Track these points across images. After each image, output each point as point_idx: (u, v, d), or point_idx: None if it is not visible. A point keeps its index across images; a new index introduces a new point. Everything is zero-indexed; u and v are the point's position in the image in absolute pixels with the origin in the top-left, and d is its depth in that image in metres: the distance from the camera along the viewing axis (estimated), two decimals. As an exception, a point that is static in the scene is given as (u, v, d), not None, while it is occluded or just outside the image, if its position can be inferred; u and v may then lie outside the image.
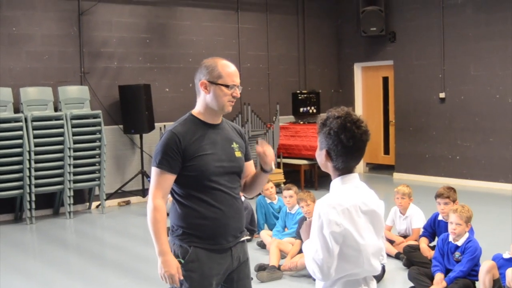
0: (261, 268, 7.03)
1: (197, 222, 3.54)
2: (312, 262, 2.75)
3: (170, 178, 3.51)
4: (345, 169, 2.86)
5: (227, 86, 3.58)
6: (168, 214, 3.61)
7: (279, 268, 7.02)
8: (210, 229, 3.55)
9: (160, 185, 3.51)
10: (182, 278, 3.49)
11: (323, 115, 2.92)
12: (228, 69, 3.62)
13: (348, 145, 2.79)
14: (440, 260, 6.22)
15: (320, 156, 2.90)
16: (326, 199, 2.78)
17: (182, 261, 3.51)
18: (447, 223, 6.50)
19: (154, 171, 3.54)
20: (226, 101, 3.60)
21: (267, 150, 3.67)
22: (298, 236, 7.35)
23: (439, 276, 6.09)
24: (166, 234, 3.53)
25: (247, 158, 3.83)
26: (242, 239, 3.74)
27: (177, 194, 3.60)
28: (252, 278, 3.91)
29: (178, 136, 3.51)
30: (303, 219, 7.36)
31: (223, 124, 3.75)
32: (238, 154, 3.71)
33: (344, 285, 2.83)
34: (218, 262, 3.58)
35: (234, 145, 3.70)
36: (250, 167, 3.88)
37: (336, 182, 2.88)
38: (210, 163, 3.54)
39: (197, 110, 3.67)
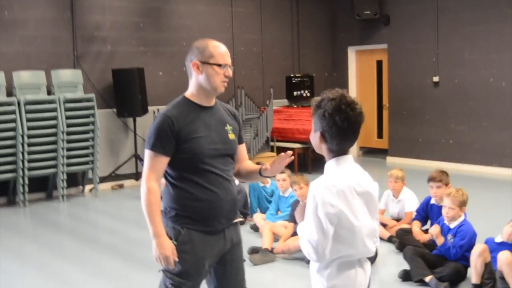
0: (254, 250, 7.06)
1: (190, 204, 3.55)
2: (307, 243, 2.76)
3: (164, 160, 3.51)
4: (340, 151, 2.87)
5: (219, 65, 3.57)
6: (161, 197, 3.62)
7: (272, 251, 7.05)
8: (203, 211, 3.55)
9: (154, 167, 3.51)
10: (177, 260, 3.50)
11: (317, 98, 2.92)
12: (219, 49, 3.61)
13: (343, 127, 2.79)
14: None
15: (315, 138, 2.89)
16: (321, 181, 2.79)
17: (175, 242, 3.52)
18: (439, 206, 6.54)
19: (147, 153, 3.54)
20: (219, 81, 3.59)
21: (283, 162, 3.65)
22: (291, 219, 7.37)
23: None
24: (160, 217, 3.53)
25: (240, 141, 3.84)
26: (235, 221, 3.75)
27: (170, 176, 3.60)
28: (244, 260, 3.92)
29: (171, 119, 3.51)
30: (297, 202, 7.37)
31: (217, 106, 3.74)
32: (231, 136, 3.70)
33: (339, 267, 2.84)
34: (211, 244, 3.60)
35: (228, 127, 3.70)
36: (242, 150, 3.88)
37: (331, 164, 2.88)
38: (204, 146, 3.54)
39: (190, 92, 3.66)
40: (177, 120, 3.52)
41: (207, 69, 3.57)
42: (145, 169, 3.54)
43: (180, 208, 3.56)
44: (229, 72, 3.63)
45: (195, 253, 3.54)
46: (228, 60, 3.63)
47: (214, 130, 3.62)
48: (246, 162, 3.91)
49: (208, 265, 3.62)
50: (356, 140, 2.91)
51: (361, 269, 2.90)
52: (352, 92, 14.60)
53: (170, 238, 3.53)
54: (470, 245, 5.98)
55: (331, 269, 2.84)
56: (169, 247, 3.48)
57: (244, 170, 3.88)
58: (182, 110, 3.57)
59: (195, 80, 3.63)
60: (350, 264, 2.86)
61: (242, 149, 3.89)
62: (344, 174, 2.83)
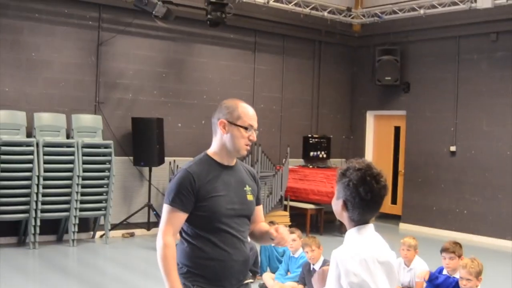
0: None
1: (203, 263, 3.53)
2: None
3: (182, 216, 3.51)
4: (361, 221, 2.84)
5: (245, 128, 3.59)
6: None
7: None
8: (215, 270, 3.53)
9: (171, 222, 3.51)
10: None
11: (343, 166, 2.90)
12: (248, 111, 3.64)
13: (366, 199, 2.76)
14: None
15: (337, 205, 2.87)
16: (344, 249, 2.76)
17: None
18: (450, 278, 6.48)
19: (166, 208, 3.53)
20: (242, 143, 3.60)
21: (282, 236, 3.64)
22: (301, 281, 7.31)
23: None
24: (177, 271, 3.51)
25: (257, 202, 3.82)
26: (245, 282, 3.72)
27: (186, 233, 3.59)
28: None
29: (193, 176, 3.51)
30: (307, 264, 7.33)
31: (238, 166, 3.75)
32: (250, 197, 3.70)
33: None
34: None
35: (247, 188, 3.70)
36: (259, 212, 3.87)
37: (352, 232, 2.85)
38: (222, 205, 3.54)
39: (213, 150, 3.67)
40: (199, 177, 3.52)
41: (233, 130, 3.58)
42: (162, 223, 3.52)
43: (193, 266, 3.54)
44: (254, 136, 3.64)
45: None
46: (255, 124, 3.65)
47: (233, 190, 3.62)
48: (261, 223, 3.89)
49: None
50: (378, 211, 2.88)
51: None
52: (369, 156, 14.60)
53: None
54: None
55: None
56: None
57: (258, 232, 3.86)
58: (204, 168, 3.58)
59: (219, 139, 3.64)
60: None
61: (259, 210, 3.87)
62: (366, 243, 2.81)
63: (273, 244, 3.90)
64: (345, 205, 2.82)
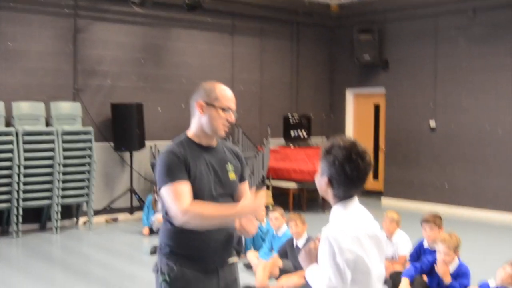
0: None
1: (186, 242, 3.53)
2: None
3: (185, 183, 3.46)
4: (345, 197, 2.86)
5: (223, 109, 3.60)
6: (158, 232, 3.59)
7: None
8: (198, 250, 3.53)
9: (179, 195, 3.43)
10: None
11: (327, 143, 2.91)
12: (226, 93, 3.64)
13: (352, 176, 2.79)
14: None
15: (321, 182, 2.88)
16: (335, 226, 2.77)
17: (168, 278, 3.50)
18: (432, 250, 6.59)
19: (166, 188, 3.46)
20: (220, 124, 3.60)
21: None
22: (281, 255, 7.42)
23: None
24: (221, 207, 3.47)
25: (241, 179, 3.81)
26: (230, 262, 3.72)
27: (168, 214, 3.55)
28: None
29: (177, 155, 3.51)
30: (290, 240, 7.40)
31: (219, 146, 3.74)
32: (232, 176, 3.70)
33: None
34: (204, 283, 3.57)
35: (229, 167, 3.69)
36: (243, 188, 3.83)
37: (338, 209, 2.86)
38: (205, 187, 3.54)
39: (192, 132, 3.67)
40: (184, 157, 3.51)
41: (211, 111, 3.58)
42: (172, 203, 3.45)
43: (175, 246, 3.54)
44: (232, 117, 3.64)
45: None
46: (233, 106, 3.65)
47: (214, 171, 3.62)
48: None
49: None
50: (362, 187, 2.88)
51: None
52: (349, 134, 14.69)
53: (163, 274, 3.50)
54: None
55: None
56: (252, 203, 3.47)
57: None
58: (185, 150, 3.57)
59: (197, 120, 3.64)
60: None
61: (244, 187, 3.84)
62: (354, 218, 2.83)
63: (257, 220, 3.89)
64: (330, 182, 2.84)
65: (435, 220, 6.95)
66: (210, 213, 3.42)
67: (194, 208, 3.40)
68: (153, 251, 8.85)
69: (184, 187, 3.45)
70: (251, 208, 3.45)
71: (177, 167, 3.47)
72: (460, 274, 6.15)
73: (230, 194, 3.70)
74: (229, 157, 3.75)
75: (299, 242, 7.23)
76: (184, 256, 3.54)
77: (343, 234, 2.72)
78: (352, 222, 2.80)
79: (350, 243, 2.71)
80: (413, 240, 7.50)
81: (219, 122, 3.60)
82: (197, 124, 3.64)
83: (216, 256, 3.61)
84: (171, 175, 3.46)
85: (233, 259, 3.74)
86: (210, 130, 3.61)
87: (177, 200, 3.42)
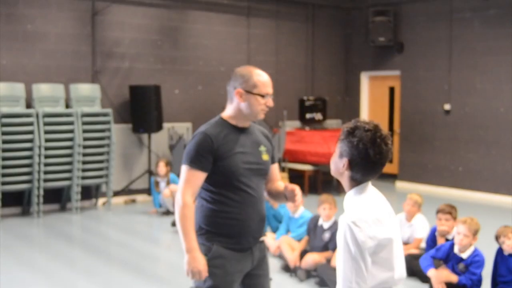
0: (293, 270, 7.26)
1: (222, 222, 3.64)
2: (343, 279, 2.73)
3: (201, 176, 3.60)
4: (362, 181, 2.86)
5: (262, 96, 3.69)
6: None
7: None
8: (233, 228, 3.64)
9: (191, 183, 3.59)
10: (207, 275, 3.58)
11: (349, 124, 2.89)
12: (263, 79, 3.72)
13: (374, 160, 2.78)
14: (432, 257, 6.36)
15: (339, 164, 2.87)
16: (354, 213, 2.75)
17: (206, 257, 3.60)
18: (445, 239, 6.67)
19: (185, 169, 3.62)
20: (259, 109, 3.70)
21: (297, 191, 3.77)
22: (307, 232, 7.51)
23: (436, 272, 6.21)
24: (194, 231, 3.60)
25: (272, 161, 3.93)
26: (261, 239, 3.84)
27: (204, 193, 3.69)
28: (271, 279, 3.97)
29: (210, 137, 3.61)
30: (314, 218, 7.44)
31: (252, 127, 3.85)
32: (265, 157, 3.81)
33: None
34: (239, 260, 3.69)
35: (262, 148, 3.80)
36: (274, 170, 3.96)
37: (354, 194, 2.86)
38: (240, 164, 3.65)
39: (228, 114, 3.76)
40: (216, 138, 3.62)
41: (250, 99, 3.68)
42: (182, 184, 3.61)
43: (212, 226, 3.66)
44: (271, 102, 3.75)
45: (225, 268, 3.64)
46: (270, 90, 3.75)
47: (249, 150, 3.73)
48: (278, 182, 3.99)
49: (237, 281, 3.71)
50: (380, 172, 2.87)
51: None
52: (364, 116, 14.74)
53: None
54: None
55: None
56: (202, 261, 3.55)
57: (275, 190, 3.96)
58: (220, 130, 3.67)
59: (236, 106, 3.72)
60: None
61: (274, 169, 3.96)
62: (372, 201, 2.84)
63: (286, 203, 4.02)
64: (350, 165, 2.82)
65: (451, 211, 6.86)
66: (184, 222, 3.56)
67: (186, 207, 3.57)
68: (174, 224, 9.01)
69: (198, 179, 3.60)
70: (194, 267, 3.54)
71: (204, 153, 3.58)
72: (474, 262, 6.14)
73: (263, 174, 3.81)
74: (262, 139, 3.86)
75: (326, 224, 7.26)
76: (221, 235, 3.66)
77: (363, 220, 2.71)
78: (370, 204, 2.81)
79: (370, 229, 2.71)
80: (428, 225, 7.55)
81: (259, 108, 3.70)
82: (235, 109, 3.72)
83: (251, 236, 3.72)
84: (195, 160, 3.59)
85: (263, 237, 3.87)
86: (250, 114, 3.71)
87: (187, 187, 3.59)
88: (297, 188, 3.77)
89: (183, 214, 3.56)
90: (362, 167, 2.80)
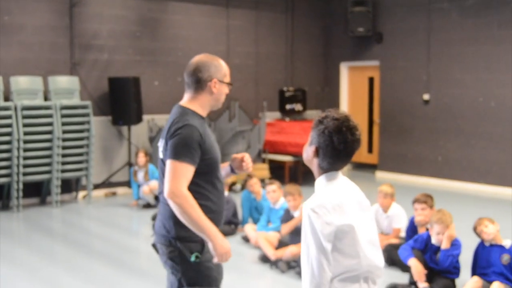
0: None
1: (208, 216, 3.56)
2: (306, 265, 2.77)
3: (192, 170, 3.53)
4: (329, 170, 2.89)
5: (230, 84, 3.75)
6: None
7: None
8: (213, 221, 3.59)
9: (185, 177, 3.49)
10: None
11: (321, 113, 2.94)
12: (227, 68, 3.77)
13: (338, 148, 2.82)
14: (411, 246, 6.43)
15: (308, 151, 2.93)
16: (314, 200, 2.79)
17: (199, 255, 3.57)
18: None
19: (177, 163, 3.49)
20: (224, 98, 3.77)
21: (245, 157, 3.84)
22: (281, 223, 7.58)
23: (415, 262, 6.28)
24: (207, 220, 3.52)
25: None
26: None
27: (189, 188, 3.56)
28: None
29: (199, 130, 3.56)
30: (287, 211, 7.53)
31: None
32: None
33: (342, 282, 2.81)
34: None
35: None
36: None
37: (321, 181, 2.90)
38: (219, 157, 3.69)
39: (196, 104, 3.69)
40: (203, 131, 3.59)
41: (221, 87, 3.71)
42: (177, 177, 3.48)
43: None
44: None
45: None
46: None
47: (214, 141, 3.77)
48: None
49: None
50: (347, 163, 2.93)
51: (366, 285, 2.88)
52: (344, 107, 14.80)
53: (192, 253, 3.56)
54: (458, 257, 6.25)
55: (333, 286, 2.80)
56: (227, 241, 3.55)
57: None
58: (199, 122, 3.63)
59: (207, 96, 3.68)
60: (354, 279, 2.84)
61: None
62: (336, 188, 2.86)
63: (236, 172, 4.01)
64: (316, 152, 2.88)
65: (427, 200, 6.91)
66: (194, 211, 3.46)
67: (188, 198, 3.46)
68: (154, 217, 9.01)
69: (190, 173, 3.52)
70: (224, 249, 3.52)
71: (195, 147, 3.52)
72: (452, 245, 6.22)
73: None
74: None
75: (296, 214, 7.37)
76: None
77: (323, 206, 2.75)
78: (334, 191, 2.84)
79: (329, 215, 2.74)
80: (408, 214, 7.61)
81: (224, 97, 3.77)
82: (205, 99, 3.69)
83: (221, 225, 3.73)
84: (186, 153, 3.49)
85: None
86: (216, 105, 3.74)
87: (180, 179, 3.47)
88: (246, 155, 3.83)
89: (190, 205, 3.46)
90: (328, 155, 2.85)
